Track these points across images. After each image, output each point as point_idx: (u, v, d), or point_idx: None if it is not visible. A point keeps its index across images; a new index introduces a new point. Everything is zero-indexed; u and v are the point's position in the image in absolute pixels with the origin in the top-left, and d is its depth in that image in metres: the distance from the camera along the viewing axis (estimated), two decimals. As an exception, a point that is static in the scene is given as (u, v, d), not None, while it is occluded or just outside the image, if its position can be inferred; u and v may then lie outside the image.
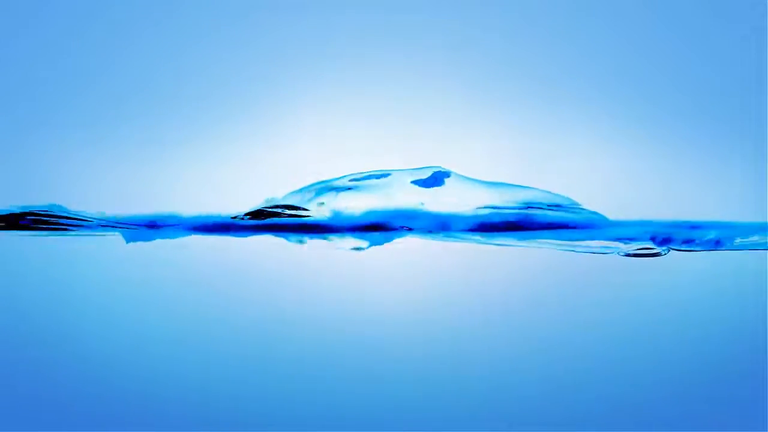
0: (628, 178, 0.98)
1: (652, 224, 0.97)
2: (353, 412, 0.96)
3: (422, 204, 0.96)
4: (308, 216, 0.97)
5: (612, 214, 0.97)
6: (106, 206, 0.97)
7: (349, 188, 0.97)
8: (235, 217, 0.97)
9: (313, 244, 0.97)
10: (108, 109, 0.99)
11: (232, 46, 0.99)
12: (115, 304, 0.98)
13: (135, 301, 0.98)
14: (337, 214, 0.96)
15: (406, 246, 0.96)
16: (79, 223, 0.97)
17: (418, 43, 0.99)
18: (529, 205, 0.97)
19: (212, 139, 0.98)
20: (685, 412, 0.96)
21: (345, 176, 0.98)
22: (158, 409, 0.96)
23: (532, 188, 0.98)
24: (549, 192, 0.98)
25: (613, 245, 0.98)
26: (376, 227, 0.96)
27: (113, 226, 0.97)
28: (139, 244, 0.97)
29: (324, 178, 0.98)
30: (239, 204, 0.97)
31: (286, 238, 0.97)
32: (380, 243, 0.96)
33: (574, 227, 0.97)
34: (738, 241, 0.97)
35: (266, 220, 0.96)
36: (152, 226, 0.97)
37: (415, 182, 0.98)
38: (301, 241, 0.97)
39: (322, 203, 0.97)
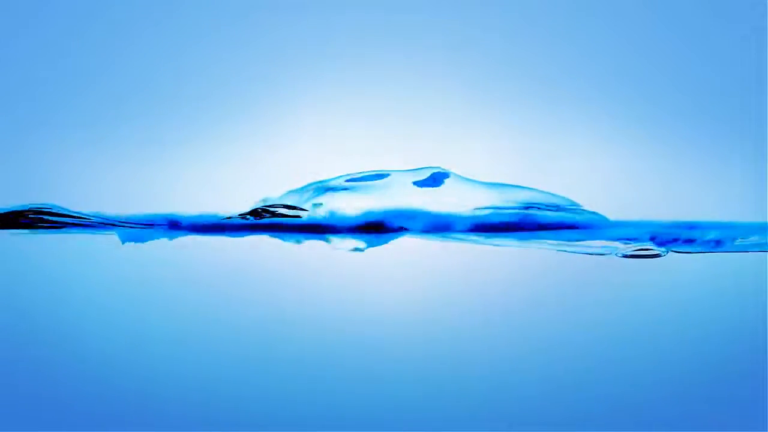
0: (628, 178, 0.98)
1: (652, 225, 0.97)
2: (353, 412, 0.96)
3: (421, 204, 0.96)
4: (306, 216, 0.97)
5: (612, 214, 0.97)
6: (106, 206, 0.97)
7: (347, 188, 0.97)
8: (229, 217, 0.96)
9: (313, 245, 0.97)
10: (108, 109, 0.99)
11: (232, 46, 0.99)
12: (114, 303, 0.98)
13: (134, 300, 0.98)
14: (335, 215, 0.96)
15: (405, 246, 0.96)
16: (78, 222, 0.97)
17: (418, 43, 0.99)
18: (528, 206, 0.97)
19: (212, 139, 0.98)
20: (685, 412, 0.96)
21: (342, 176, 0.98)
22: (158, 409, 0.96)
23: (532, 189, 0.98)
24: (549, 193, 0.98)
25: (613, 246, 0.98)
26: (375, 227, 0.96)
27: (113, 226, 0.97)
28: (139, 243, 0.97)
29: (321, 178, 0.98)
30: (239, 204, 0.97)
31: (285, 239, 0.97)
32: (379, 243, 0.96)
33: (574, 228, 0.97)
34: (738, 241, 0.97)
35: (264, 220, 0.96)
36: (152, 226, 0.97)
37: (414, 183, 0.98)
38: (299, 242, 0.97)
39: (321, 203, 0.97)
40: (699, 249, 0.97)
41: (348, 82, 0.99)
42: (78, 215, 0.97)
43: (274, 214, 0.97)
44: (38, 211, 0.97)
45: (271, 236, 0.96)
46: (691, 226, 0.97)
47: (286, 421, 0.95)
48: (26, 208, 0.97)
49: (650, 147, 0.99)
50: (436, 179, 0.98)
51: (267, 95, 0.99)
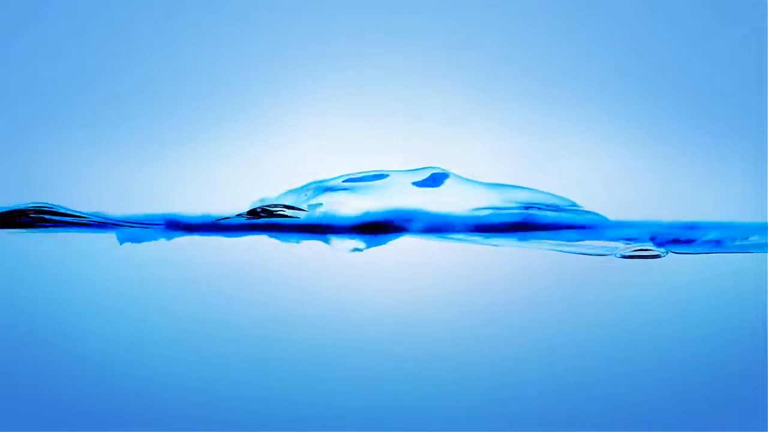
0: (628, 178, 0.98)
1: (652, 225, 0.97)
2: (353, 412, 0.96)
3: (421, 205, 0.96)
4: (306, 216, 0.97)
5: (612, 214, 0.97)
6: (106, 206, 0.97)
7: (347, 189, 0.97)
8: (227, 218, 0.96)
9: (312, 245, 0.97)
10: (108, 109, 0.99)
11: (232, 46, 0.99)
12: (114, 303, 0.98)
13: (134, 300, 0.98)
14: (335, 215, 0.96)
15: (404, 246, 0.96)
16: (78, 220, 0.97)
17: (418, 43, 0.99)
18: (528, 206, 0.97)
19: (212, 139, 0.98)
20: (685, 412, 0.96)
21: (341, 176, 0.98)
22: (157, 409, 0.96)
23: (532, 189, 0.98)
24: (548, 193, 0.98)
25: (613, 246, 0.97)
26: (375, 228, 0.96)
27: (113, 225, 0.97)
28: (139, 244, 0.97)
29: (321, 178, 0.98)
30: (239, 204, 0.97)
31: (285, 239, 0.97)
32: (378, 244, 0.96)
33: (574, 228, 0.97)
34: (738, 241, 0.97)
35: (264, 220, 0.96)
36: (152, 226, 0.97)
37: (413, 183, 0.98)
38: (298, 242, 0.97)
39: (320, 203, 0.97)
40: (699, 249, 0.97)
41: (348, 82, 0.99)
42: (78, 214, 0.97)
43: (272, 214, 0.97)
44: (39, 210, 0.97)
45: (271, 236, 0.96)
46: (691, 226, 0.97)
47: (286, 421, 0.95)
48: (27, 207, 0.97)
49: (650, 147, 0.99)
50: (435, 179, 0.98)
51: (267, 95, 0.99)
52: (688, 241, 0.97)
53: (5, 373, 0.97)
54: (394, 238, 0.96)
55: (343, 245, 0.96)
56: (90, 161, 0.98)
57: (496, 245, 0.97)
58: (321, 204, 0.97)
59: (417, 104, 0.99)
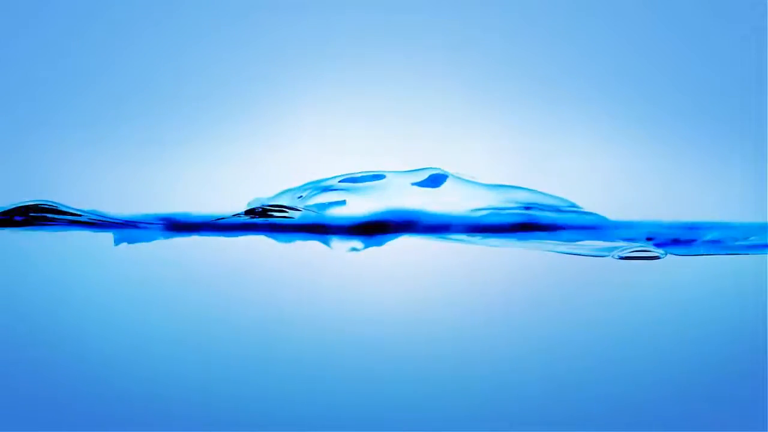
0: (628, 178, 0.98)
1: (652, 225, 0.97)
2: (353, 412, 0.96)
3: (420, 205, 0.96)
4: (305, 216, 0.96)
5: (612, 214, 0.97)
6: (106, 206, 0.97)
7: (346, 189, 0.97)
8: (223, 218, 0.96)
9: (312, 245, 0.97)
10: (108, 109, 0.99)
11: (232, 46, 0.99)
12: (113, 302, 0.98)
13: (134, 300, 0.98)
14: (334, 215, 0.96)
15: (404, 246, 0.96)
16: (78, 218, 0.97)
17: (418, 43, 0.99)
18: (527, 207, 0.97)
19: (212, 139, 0.98)
20: (685, 412, 0.96)
21: (340, 176, 0.98)
22: (156, 409, 0.96)
23: (531, 190, 0.98)
24: (548, 194, 0.98)
25: (612, 246, 0.97)
26: (374, 228, 0.96)
27: (113, 226, 0.97)
28: (139, 243, 0.97)
29: (320, 178, 0.98)
30: (239, 204, 0.97)
31: (284, 239, 0.97)
32: (378, 244, 0.96)
33: (573, 228, 0.97)
34: (738, 241, 0.97)
35: (263, 220, 0.96)
36: (152, 226, 0.97)
37: (413, 183, 0.98)
38: (298, 242, 0.97)
39: (319, 203, 0.97)
40: (699, 249, 0.97)
41: (348, 82, 0.99)
42: (77, 212, 0.97)
43: (266, 214, 0.97)
44: (39, 208, 0.96)
45: (270, 236, 0.96)
46: (691, 226, 0.97)
47: (286, 421, 0.95)
48: (28, 204, 0.96)
49: (650, 147, 0.99)
50: (434, 180, 0.98)
51: (267, 95, 0.99)
52: (688, 241, 0.97)
53: (5, 373, 0.97)
54: (392, 239, 0.96)
55: (341, 245, 0.96)
56: (90, 161, 0.98)
57: (495, 245, 0.97)
58: (321, 204, 0.97)
59: (417, 104, 0.99)
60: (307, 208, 0.96)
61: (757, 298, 0.98)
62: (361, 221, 0.96)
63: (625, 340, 0.98)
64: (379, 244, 0.96)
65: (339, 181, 0.97)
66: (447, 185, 0.97)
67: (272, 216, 0.96)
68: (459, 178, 0.98)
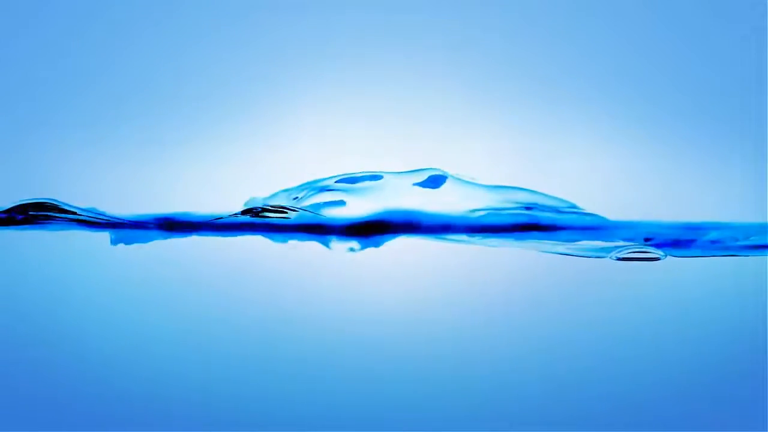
0: (628, 178, 0.98)
1: (652, 225, 0.97)
2: (353, 412, 0.96)
3: (419, 205, 0.96)
4: (305, 216, 0.96)
5: (612, 214, 0.97)
6: (106, 206, 0.97)
7: (345, 189, 0.97)
8: (220, 218, 0.96)
9: (312, 245, 0.97)
10: (108, 109, 0.99)
11: (232, 46, 0.99)
12: (113, 302, 0.98)
13: (133, 299, 0.98)
14: (334, 215, 0.96)
15: (403, 247, 0.96)
16: (78, 217, 0.97)
17: (418, 43, 0.99)
18: (527, 207, 0.97)
19: (212, 139, 0.98)
20: (685, 412, 0.96)
21: (340, 176, 0.98)
22: (156, 409, 0.96)
23: (531, 190, 0.97)
24: (547, 195, 0.98)
25: (612, 246, 0.97)
26: (374, 228, 0.96)
27: (113, 226, 0.97)
28: (139, 244, 0.97)
29: (319, 177, 0.98)
30: (239, 204, 0.97)
31: (284, 239, 0.97)
32: (378, 244, 0.96)
33: (573, 229, 0.97)
34: (738, 242, 0.97)
35: (263, 220, 0.96)
36: (151, 226, 0.97)
37: (411, 184, 0.98)
38: (297, 242, 0.97)
39: (318, 203, 0.97)
40: (699, 249, 0.97)
41: (348, 82, 0.99)
42: (77, 211, 0.97)
43: (265, 215, 0.96)
44: (40, 205, 0.96)
45: (270, 236, 0.96)
46: (691, 226, 0.97)
47: (285, 421, 0.95)
48: (28, 202, 0.96)
49: (650, 147, 0.98)
50: (434, 180, 0.97)
51: (267, 95, 0.99)
52: (688, 242, 0.97)
53: (5, 373, 0.97)
54: (390, 239, 0.96)
55: (339, 246, 0.96)
56: (90, 161, 0.98)
57: (495, 246, 0.97)
58: (320, 204, 0.97)
59: (417, 104, 0.99)
60: (304, 208, 0.96)
61: (757, 298, 0.98)
62: (360, 221, 0.96)
63: (624, 340, 0.98)
64: (377, 244, 0.96)
65: (336, 182, 0.97)
66: (446, 185, 0.97)
67: (268, 216, 0.96)
68: (458, 179, 0.98)
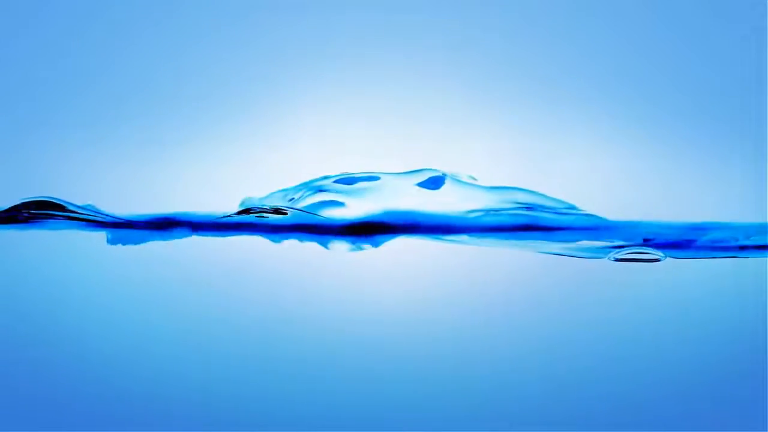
0: (628, 178, 0.98)
1: (652, 225, 0.97)
2: (353, 412, 0.96)
3: (418, 206, 0.96)
4: (305, 216, 0.96)
5: (612, 214, 0.97)
6: (106, 206, 0.97)
7: (345, 189, 0.97)
8: (218, 218, 0.96)
9: (312, 245, 0.97)
10: (108, 109, 0.99)
11: (232, 46, 0.99)
12: (113, 302, 0.98)
13: (133, 299, 0.98)
14: (333, 215, 0.96)
15: (403, 247, 0.96)
16: (78, 216, 0.97)
17: (418, 43, 0.99)
18: (526, 208, 0.97)
19: (212, 139, 0.98)
20: (685, 412, 0.96)
21: (339, 176, 0.98)
22: (155, 409, 0.96)
23: (530, 191, 0.97)
24: (547, 195, 0.98)
25: (612, 247, 0.97)
26: (373, 228, 0.96)
27: (111, 225, 0.97)
28: (138, 243, 0.97)
29: (318, 177, 0.98)
30: (239, 204, 0.97)
31: (283, 239, 0.97)
32: (377, 244, 0.96)
33: (572, 229, 0.97)
34: (738, 242, 0.97)
35: (262, 220, 0.96)
36: (151, 226, 0.97)
37: (410, 184, 0.98)
38: (297, 242, 0.97)
39: (318, 203, 0.96)
40: (699, 249, 0.97)
41: (348, 82, 0.99)
42: (78, 210, 0.97)
43: (261, 215, 0.96)
44: (41, 203, 0.96)
45: (268, 237, 0.96)
46: (691, 226, 0.97)
47: (285, 420, 0.95)
48: (30, 200, 0.96)
49: (650, 147, 0.98)
50: (433, 181, 0.97)
51: (267, 95, 0.99)
52: (688, 242, 0.97)
53: (5, 372, 0.97)
54: (393, 239, 0.96)
55: (339, 246, 0.96)
56: (90, 161, 0.98)
57: (494, 246, 0.97)
58: (320, 204, 0.97)
59: (416, 104, 0.99)
60: (300, 208, 0.96)
61: (757, 298, 0.98)
62: (358, 222, 0.96)
63: (624, 340, 0.98)
64: (376, 244, 0.95)
65: (334, 182, 0.97)
66: (446, 186, 0.97)
67: (263, 216, 0.96)
68: (458, 179, 0.98)
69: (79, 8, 0.99)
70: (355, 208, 0.96)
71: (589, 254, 0.97)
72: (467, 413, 0.96)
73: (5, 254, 0.99)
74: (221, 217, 0.96)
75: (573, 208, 0.97)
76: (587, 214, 0.97)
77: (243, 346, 0.97)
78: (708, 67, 0.99)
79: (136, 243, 0.97)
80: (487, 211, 0.96)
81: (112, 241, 0.97)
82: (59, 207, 0.97)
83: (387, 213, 0.96)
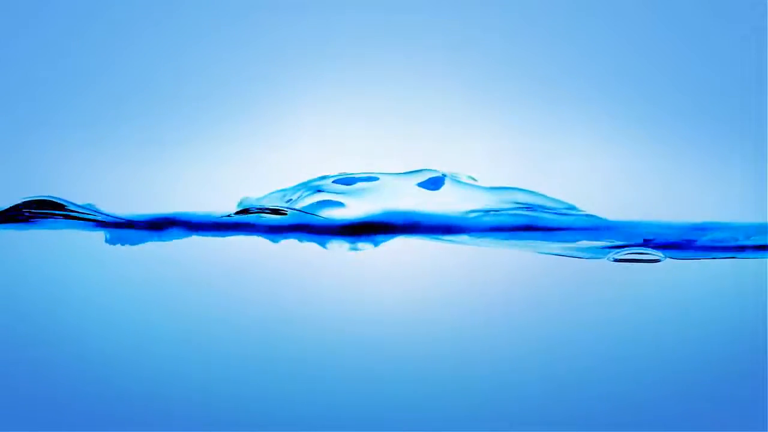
0: (628, 178, 0.98)
1: (652, 225, 0.97)
2: (353, 412, 0.96)
3: (418, 206, 0.96)
4: (304, 216, 0.96)
5: (612, 214, 0.97)
6: (106, 206, 0.97)
7: (345, 189, 0.97)
8: (217, 218, 0.96)
9: (311, 245, 0.97)
10: (108, 109, 0.99)
11: (232, 46, 0.99)
12: (113, 302, 0.98)
13: (133, 299, 0.98)
14: (333, 215, 0.96)
15: (404, 247, 0.96)
16: (78, 215, 0.97)
17: (418, 43, 0.99)
18: (526, 208, 0.97)
19: (212, 139, 0.99)
20: (685, 411, 0.96)
21: (339, 176, 0.98)
22: (155, 409, 0.96)
23: (530, 191, 0.97)
24: (546, 195, 0.98)
25: (611, 247, 0.97)
26: (373, 229, 0.96)
27: (111, 225, 0.97)
28: (138, 243, 0.97)
29: (312, 177, 0.98)
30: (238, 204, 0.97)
31: (283, 239, 0.97)
32: (377, 244, 0.96)
33: (572, 229, 0.97)
34: (738, 242, 0.97)
35: (262, 221, 0.96)
36: (151, 226, 0.97)
37: (410, 184, 0.98)
38: (297, 242, 0.97)
39: (318, 203, 0.96)
40: (699, 249, 0.97)
41: (348, 82, 0.99)
42: (77, 209, 0.97)
43: (260, 215, 0.97)
44: (41, 202, 0.96)
45: (268, 237, 0.96)
46: (691, 226, 0.97)
47: (285, 420, 0.95)
48: (31, 199, 0.97)
49: (650, 147, 0.98)
50: (432, 181, 0.97)
51: (267, 95, 0.99)
52: (688, 242, 0.97)
53: (5, 372, 0.97)
54: (393, 239, 0.96)
55: (338, 246, 0.96)
56: (90, 161, 0.98)
57: (494, 246, 0.97)
58: (319, 204, 0.97)
59: (416, 104, 0.99)
60: (299, 208, 0.96)
61: (757, 298, 0.98)
62: (358, 222, 0.96)
63: (624, 340, 0.98)
64: (376, 244, 0.96)
65: (332, 182, 0.97)
66: (446, 186, 0.97)
67: (263, 215, 0.96)
68: (458, 180, 0.98)
69: (79, 8, 0.99)
70: (355, 208, 0.96)
71: (589, 254, 0.97)
72: (467, 413, 0.96)
73: (5, 254, 0.99)
74: (220, 217, 0.96)
75: (573, 208, 0.97)
76: (587, 215, 0.97)
77: (242, 346, 0.97)
78: (708, 67, 0.99)
79: (135, 243, 0.97)
80: (487, 212, 0.96)
81: (111, 241, 0.97)
82: (59, 206, 0.97)
83: (386, 213, 0.96)
